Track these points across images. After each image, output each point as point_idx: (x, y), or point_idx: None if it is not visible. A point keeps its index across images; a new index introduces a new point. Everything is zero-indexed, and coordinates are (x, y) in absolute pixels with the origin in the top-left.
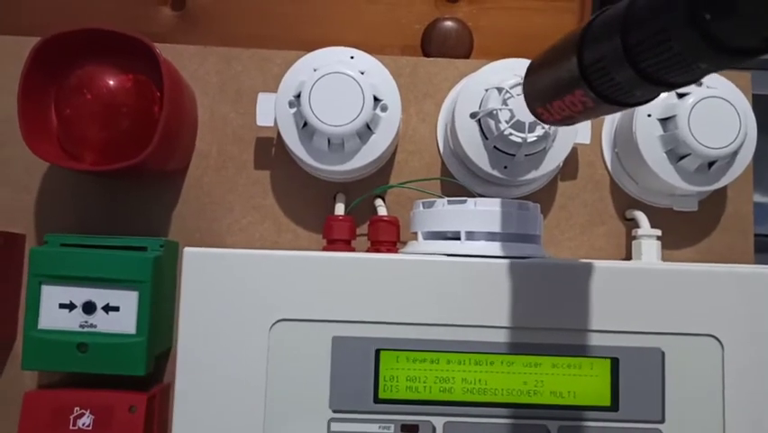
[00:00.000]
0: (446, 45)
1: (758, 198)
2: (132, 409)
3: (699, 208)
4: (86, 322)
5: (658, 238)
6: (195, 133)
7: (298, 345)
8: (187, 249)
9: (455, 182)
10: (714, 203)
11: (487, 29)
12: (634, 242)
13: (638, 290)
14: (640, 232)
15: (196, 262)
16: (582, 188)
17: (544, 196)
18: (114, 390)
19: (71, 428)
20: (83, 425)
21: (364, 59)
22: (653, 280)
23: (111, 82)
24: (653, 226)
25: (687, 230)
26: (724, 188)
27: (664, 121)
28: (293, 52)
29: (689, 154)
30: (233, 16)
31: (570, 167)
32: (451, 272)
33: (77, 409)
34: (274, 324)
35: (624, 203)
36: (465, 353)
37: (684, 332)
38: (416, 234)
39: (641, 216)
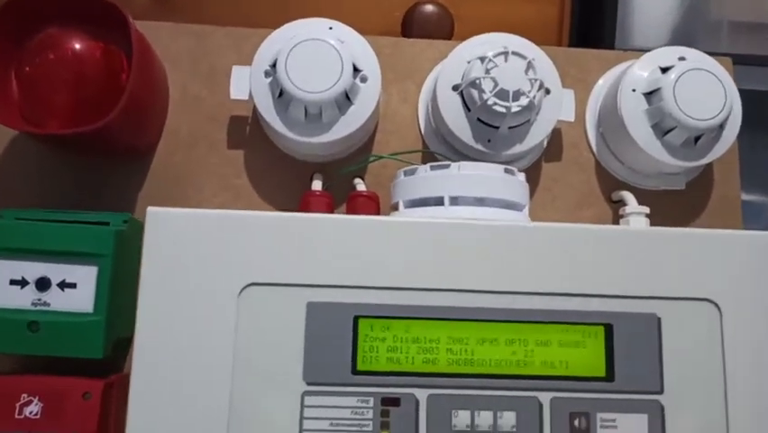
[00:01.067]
0: (426, 29)
1: (745, 196)
2: (86, 395)
3: (686, 191)
4: (39, 300)
5: (647, 216)
6: (165, 109)
7: (270, 311)
8: (150, 208)
9: (437, 155)
10: (701, 186)
11: (467, 17)
12: (621, 220)
13: (632, 253)
14: (628, 209)
15: (159, 223)
16: (567, 170)
17: (529, 177)
18: (67, 376)
19: (17, 416)
20: (30, 413)
21: (343, 31)
22: (647, 244)
23: (77, 46)
24: None
25: (674, 213)
26: (711, 171)
27: (649, 95)
28: (268, 30)
29: (675, 127)
30: (209, 1)
31: (554, 148)
32: (435, 235)
33: (25, 396)
34: (243, 289)
35: (610, 185)
36: (450, 320)
37: (680, 296)
38: (396, 205)
39: (628, 195)
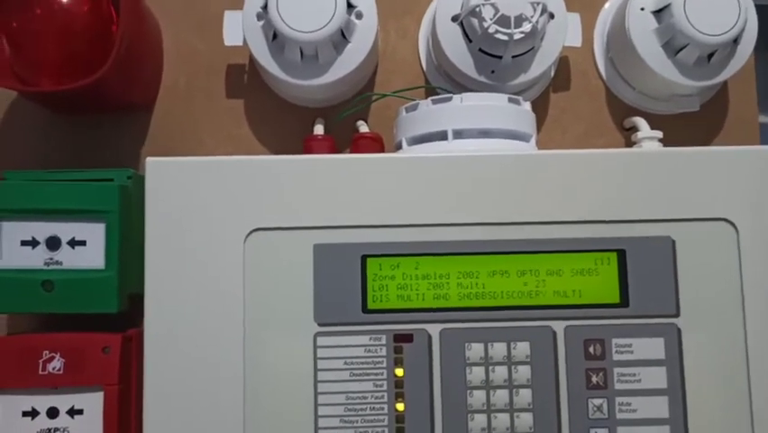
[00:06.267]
0: None
1: (763, 118)
2: (105, 350)
3: (701, 113)
4: (50, 259)
5: (660, 141)
6: (160, 62)
7: (277, 255)
8: (149, 159)
9: (439, 89)
10: (716, 107)
11: None
12: (634, 147)
13: (643, 176)
14: (640, 135)
15: (160, 174)
16: (577, 100)
17: (537, 109)
18: (85, 332)
19: (41, 372)
20: (54, 369)
21: None
22: (658, 166)
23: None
24: None
25: (689, 137)
26: (726, 91)
27: (658, 13)
28: None
29: (686, 45)
30: None
31: (562, 77)
32: (439, 170)
33: (47, 352)
34: (249, 234)
35: (621, 112)
36: (459, 255)
37: (695, 217)
38: (400, 144)
39: (640, 121)
